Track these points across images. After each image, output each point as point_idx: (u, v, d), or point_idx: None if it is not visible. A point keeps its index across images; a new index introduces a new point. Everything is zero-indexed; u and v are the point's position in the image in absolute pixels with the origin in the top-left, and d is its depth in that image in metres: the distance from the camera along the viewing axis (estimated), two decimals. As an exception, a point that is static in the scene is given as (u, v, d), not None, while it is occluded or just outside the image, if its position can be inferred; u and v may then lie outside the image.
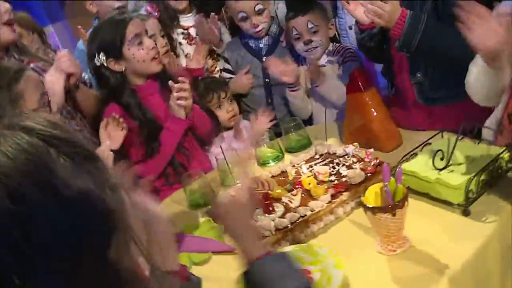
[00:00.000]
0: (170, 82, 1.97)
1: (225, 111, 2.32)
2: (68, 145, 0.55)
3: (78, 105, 2.10)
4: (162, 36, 2.31)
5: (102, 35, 1.98)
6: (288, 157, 2.00)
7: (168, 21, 2.43)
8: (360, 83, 1.77)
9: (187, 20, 2.53)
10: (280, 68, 2.17)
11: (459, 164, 1.42)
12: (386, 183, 1.23)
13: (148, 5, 2.40)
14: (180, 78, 1.96)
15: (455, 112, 1.69)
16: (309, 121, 2.34)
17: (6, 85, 1.36)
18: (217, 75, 2.50)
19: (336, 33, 2.34)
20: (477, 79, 1.44)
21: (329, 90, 2.16)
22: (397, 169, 1.28)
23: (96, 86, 2.16)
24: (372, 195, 1.30)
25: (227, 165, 1.89)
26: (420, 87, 1.79)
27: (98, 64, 1.99)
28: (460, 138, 1.48)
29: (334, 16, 2.35)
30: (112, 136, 1.94)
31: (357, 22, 1.82)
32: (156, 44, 2.05)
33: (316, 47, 2.22)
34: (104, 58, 1.98)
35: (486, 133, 1.54)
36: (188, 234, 1.66)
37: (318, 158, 1.81)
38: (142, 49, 1.98)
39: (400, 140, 1.80)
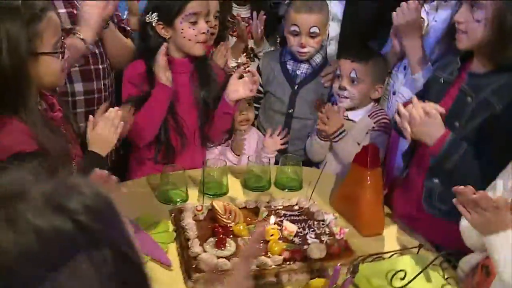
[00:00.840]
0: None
1: (239, 112, 2.25)
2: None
3: (106, 51, 2.07)
4: (216, 18, 2.25)
5: None
6: (272, 191, 1.96)
7: (227, 7, 2.37)
8: (367, 159, 1.69)
9: (238, 11, 2.47)
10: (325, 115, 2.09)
11: (416, 291, 1.36)
12: (329, 288, 1.18)
13: None
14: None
15: (450, 232, 1.59)
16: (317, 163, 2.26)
17: (28, 20, 1.32)
18: None
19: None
20: (465, 230, 1.39)
21: (342, 147, 2.08)
22: (347, 278, 1.22)
23: (138, 38, 2.13)
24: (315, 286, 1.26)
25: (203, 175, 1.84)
26: (430, 192, 1.68)
27: (147, 20, 1.96)
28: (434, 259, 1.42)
29: (388, 73, 2.24)
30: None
31: None
32: (208, 30, 2.00)
33: (347, 98, 2.12)
34: (155, 19, 1.94)
35: (460, 270, 1.47)
36: (138, 227, 1.63)
37: (296, 210, 1.75)
38: (193, 29, 1.94)
39: (381, 230, 1.73)
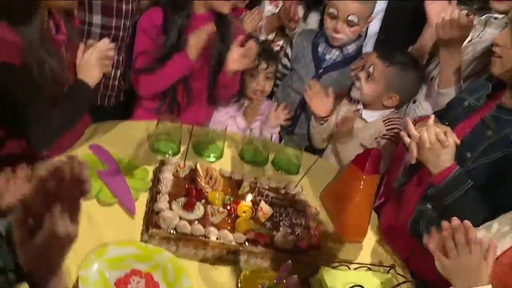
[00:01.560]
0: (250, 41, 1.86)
1: (255, 83, 2.14)
2: None
3: None
4: None
5: None
6: (267, 168, 1.89)
7: None
8: (366, 164, 1.59)
9: None
10: (317, 97, 1.99)
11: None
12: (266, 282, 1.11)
13: None
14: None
15: (428, 261, 1.46)
16: (320, 151, 2.17)
17: None
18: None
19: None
20: None
21: (345, 149, 1.98)
22: (292, 277, 1.14)
23: None
24: (260, 275, 1.19)
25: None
26: (419, 215, 1.55)
27: None
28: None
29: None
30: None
31: None
32: None
33: (357, 89, 1.97)
34: None
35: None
36: (117, 168, 1.60)
37: (281, 193, 1.68)
38: None
39: (361, 238, 1.64)
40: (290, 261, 1.15)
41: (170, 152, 1.77)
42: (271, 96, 2.27)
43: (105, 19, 1.86)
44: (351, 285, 1.28)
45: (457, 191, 1.36)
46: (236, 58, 1.86)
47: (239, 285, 1.21)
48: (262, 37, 2.29)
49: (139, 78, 1.94)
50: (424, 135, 1.36)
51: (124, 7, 1.89)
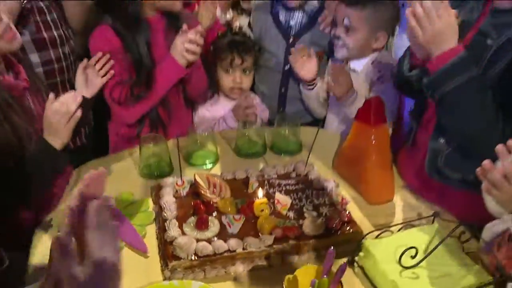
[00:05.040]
0: (184, 26, 1.70)
1: (231, 79, 1.96)
2: None
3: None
4: None
5: None
6: (268, 157, 1.75)
7: None
8: (371, 115, 1.45)
9: None
10: (300, 61, 1.85)
11: (432, 269, 1.14)
12: (315, 281, 0.97)
13: None
14: (197, 29, 1.69)
15: (468, 201, 1.31)
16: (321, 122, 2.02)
17: None
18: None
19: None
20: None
21: (354, 108, 1.84)
22: (341, 265, 1.00)
23: None
24: (304, 274, 1.05)
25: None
26: (435, 154, 1.45)
27: None
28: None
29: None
30: (89, 81, 1.70)
31: (410, 54, 1.45)
32: None
33: (341, 47, 1.84)
34: None
35: (482, 241, 1.24)
36: (115, 210, 1.44)
37: (293, 177, 1.54)
38: None
39: (390, 196, 1.51)
40: (332, 248, 1.01)
41: (163, 173, 1.63)
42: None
43: (43, 54, 1.69)
44: (402, 249, 1.14)
45: (458, 77, 1.22)
46: (179, 46, 1.71)
47: (285, 291, 1.07)
48: (221, 20, 2.12)
49: (124, 109, 1.78)
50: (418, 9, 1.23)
51: (55, 33, 1.73)
